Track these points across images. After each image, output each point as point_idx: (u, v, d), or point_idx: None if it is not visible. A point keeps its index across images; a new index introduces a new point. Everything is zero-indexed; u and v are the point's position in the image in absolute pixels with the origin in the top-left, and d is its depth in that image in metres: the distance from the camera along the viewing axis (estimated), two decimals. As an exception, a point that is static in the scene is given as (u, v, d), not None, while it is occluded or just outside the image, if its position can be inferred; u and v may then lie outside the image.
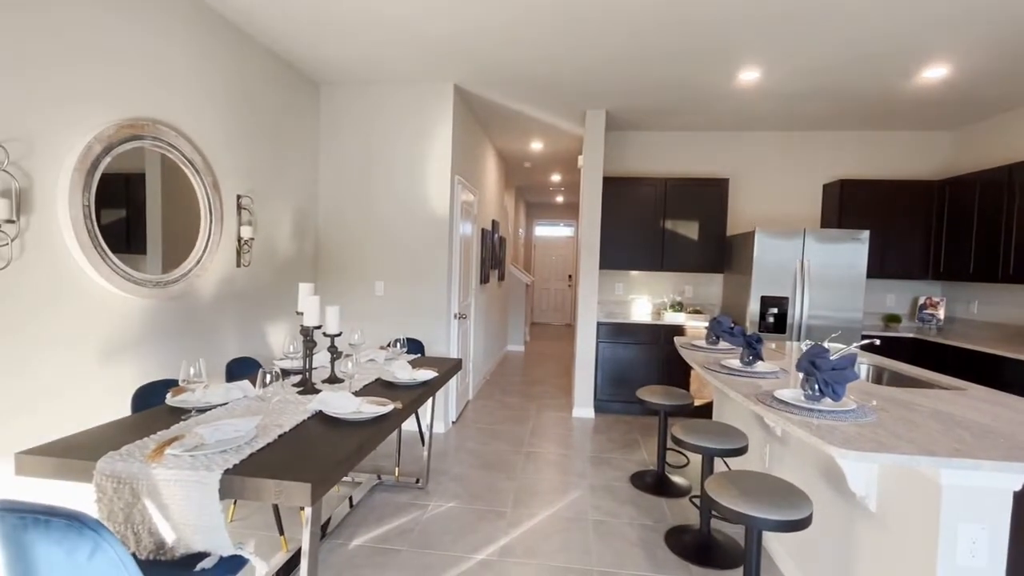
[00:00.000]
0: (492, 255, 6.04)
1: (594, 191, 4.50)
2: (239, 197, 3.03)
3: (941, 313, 4.51)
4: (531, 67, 3.53)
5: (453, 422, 4.25)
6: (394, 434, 3.44)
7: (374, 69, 3.66)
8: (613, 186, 4.77)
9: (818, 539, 2.01)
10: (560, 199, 9.85)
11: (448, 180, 3.92)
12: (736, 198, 4.94)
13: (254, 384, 2.05)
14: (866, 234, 4.03)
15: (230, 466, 1.40)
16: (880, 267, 4.48)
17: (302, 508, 1.56)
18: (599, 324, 4.58)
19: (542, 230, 11.37)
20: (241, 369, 2.59)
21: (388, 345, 3.07)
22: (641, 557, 2.37)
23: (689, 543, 2.45)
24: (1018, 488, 1.32)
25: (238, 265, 3.06)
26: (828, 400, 1.72)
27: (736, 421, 2.96)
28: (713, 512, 2.18)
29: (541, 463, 3.46)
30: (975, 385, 2.21)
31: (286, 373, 2.47)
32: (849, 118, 4.44)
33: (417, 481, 3.07)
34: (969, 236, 4.05)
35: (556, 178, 7.76)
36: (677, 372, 4.49)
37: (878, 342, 2.32)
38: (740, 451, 2.29)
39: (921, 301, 4.60)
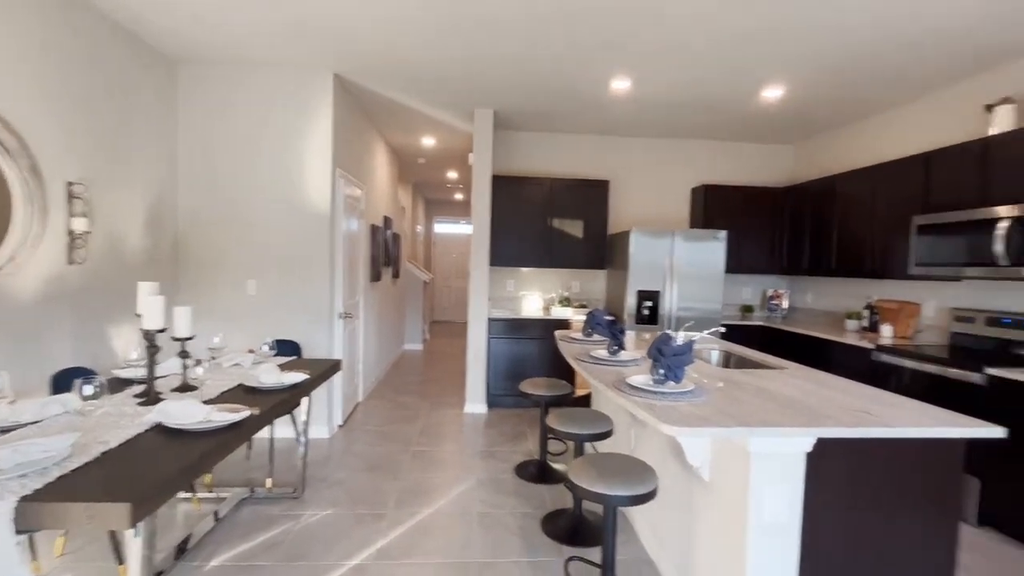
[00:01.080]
0: (385, 252, 5.88)
1: (483, 189, 4.56)
2: (70, 184, 2.64)
3: (785, 303, 5.17)
4: (417, 63, 3.48)
5: (340, 426, 4.08)
6: (267, 443, 3.22)
7: (242, 50, 3.38)
8: (503, 185, 4.86)
9: (667, 508, 2.22)
10: (459, 196, 9.84)
11: (329, 173, 3.74)
12: (616, 199, 5.27)
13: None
14: (724, 234, 4.50)
15: (29, 492, 1.22)
16: (737, 263, 5.03)
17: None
18: (490, 320, 4.64)
19: (442, 227, 11.28)
20: (71, 380, 2.26)
21: (258, 348, 2.87)
22: (518, 544, 2.45)
23: (563, 526, 2.58)
24: (810, 449, 1.55)
25: (70, 262, 2.67)
26: (672, 383, 1.90)
27: (608, 408, 3.16)
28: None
29: (429, 461, 3.44)
30: (795, 364, 2.56)
31: (127, 382, 2.21)
32: (712, 129, 4.93)
33: (294, 491, 2.90)
34: (805, 236, 4.69)
35: (453, 175, 7.74)
36: (566, 364, 4.70)
37: (723, 329, 2.58)
38: (606, 435, 2.45)
39: (769, 293, 5.24)
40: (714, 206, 5.02)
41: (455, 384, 5.61)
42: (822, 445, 1.56)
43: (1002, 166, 2.92)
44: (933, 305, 3.68)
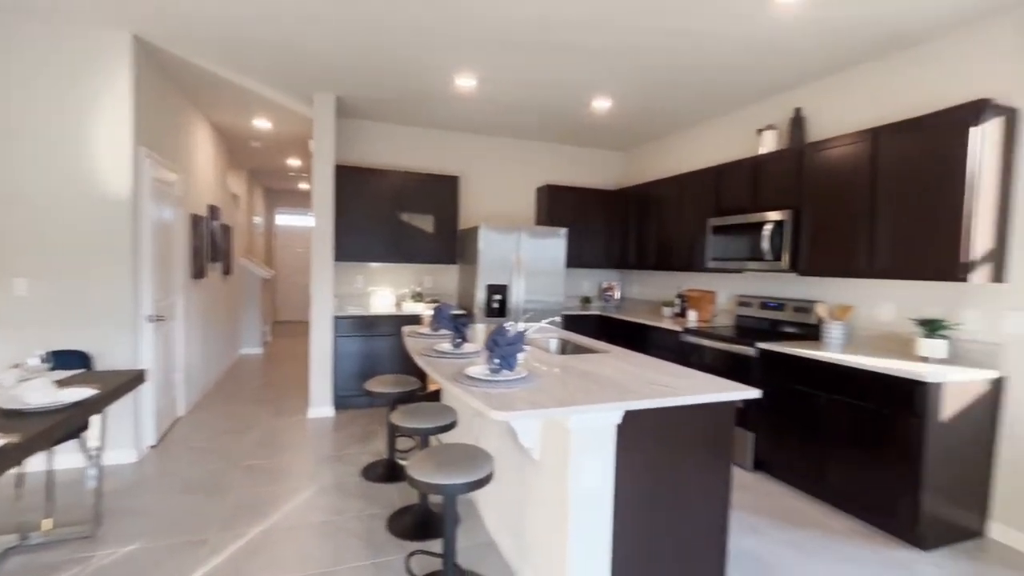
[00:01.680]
0: (211, 245, 5.20)
1: (326, 179, 4.29)
2: None
3: (617, 294, 5.78)
4: (250, 38, 3.13)
5: (152, 446, 3.52)
6: (41, 477, 2.65)
7: (-5, -10, 2.70)
8: (350, 175, 4.63)
9: (505, 490, 2.34)
10: (303, 186, 9.13)
11: (129, 153, 3.18)
12: (467, 195, 5.37)
13: None
14: (564, 231, 4.86)
15: None
16: (577, 258, 5.47)
17: None
18: (337, 318, 4.40)
19: (285, 219, 10.37)
20: None
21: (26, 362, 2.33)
22: (361, 548, 2.37)
23: (409, 522, 2.56)
24: (619, 421, 1.76)
25: None
26: (506, 372, 1.99)
27: (456, 401, 3.22)
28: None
29: (264, 474, 3.14)
30: (619, 348, 2.88)
31: None
32: (555, 133, 5.28)
33: (84, 529, 2.43)
34: (631, 234, 5.28)
35: (295, 163, 7.15)
36: (417, 360, 4.65)
37: (559, 319, 2.78)
38: (450, 427, 2.49)
39: (604, 285, 5.81)
40: (556, 205, 5.38)
41: (299, 388, 5.21)
42: (629, 416, 1.78)
43: (767, 179, 3.62)
44: (726, 293, 4.43)
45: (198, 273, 4.62)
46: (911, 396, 2.45)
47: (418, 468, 1.88)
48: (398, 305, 5.00)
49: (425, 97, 4.24)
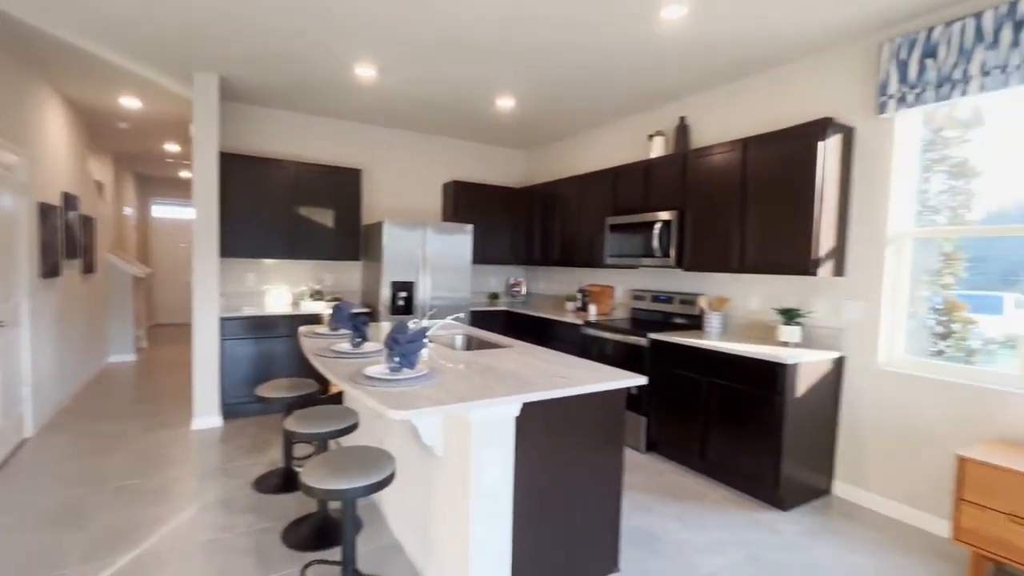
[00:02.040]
0: (67, 239, 4.54)
1: (209, 167, 3.92)
2: None
3: (524, 290, 5.92)
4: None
5: (-12, 475, 3.01)
6: None
7: None
8: (239, 165, 4.27)
9: (410, 489, 2.31)
10: (185, 174, 8.26)
11: (-50, 127, 2.67)
12: (370, 189, 5.19)
13: None
14: (470, 228, 4.87)
15: None
16: (484, 255, 5.52)
17: None
18: (224, 319, 4.05)
19: (164, 211, 9.32)
20: None
21: None
22: (252, 565, 2.21)
23: (306, 532, 2.44)
24: (518, 413, 1.81)
25: None
26: (407, 370, 1.96)
27: (358, 402, 3.11)
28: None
29: (136, 496, 2.82)
30: (522, 343, 2.95)
31: None
32: (462, 129, 5.26)
33: None
34: (536, 231, 5.42)
35: (174, 148, 6.44)
36: (317, 362, 4.42)
37: (464, 315, 2.78)
38: (350, 430, 2.40)
39: (511, 281, 5.92)
40: (463, 202, 5.38)
41: (181, 397, 4.73)
42: (528, 408, 1.83)
43: (656, 182, 3.90)
44: (623, 288, 4.71)
45: (50, 271, 4.01)
46: (773, 377, 2.78)
47: (313, 474, 1.80)
48: (296, 304, 4.72)
49: (324, 85, 4.02)
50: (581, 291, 4.98)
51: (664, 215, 3.73)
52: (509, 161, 6.09)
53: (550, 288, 5.76)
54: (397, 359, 1.94)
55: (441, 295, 4.73)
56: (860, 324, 2.94)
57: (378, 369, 1.99)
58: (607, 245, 4.27)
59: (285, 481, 2.99)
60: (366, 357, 2.37)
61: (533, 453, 1.89)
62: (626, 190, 4.20)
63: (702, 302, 3.71)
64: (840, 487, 3.03)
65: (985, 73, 2.37)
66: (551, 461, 1.95)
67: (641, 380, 2.10)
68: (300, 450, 3.45)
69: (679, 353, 3.34)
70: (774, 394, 2.78)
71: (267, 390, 2.90)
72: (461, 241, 4.82)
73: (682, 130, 3.92)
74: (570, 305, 5.04)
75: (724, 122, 3.73)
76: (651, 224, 3.82)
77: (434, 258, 4.67)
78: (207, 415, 3.97)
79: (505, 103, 4.32)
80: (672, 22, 2.82)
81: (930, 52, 2.56)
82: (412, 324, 2.28)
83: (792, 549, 2.44)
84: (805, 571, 2.27)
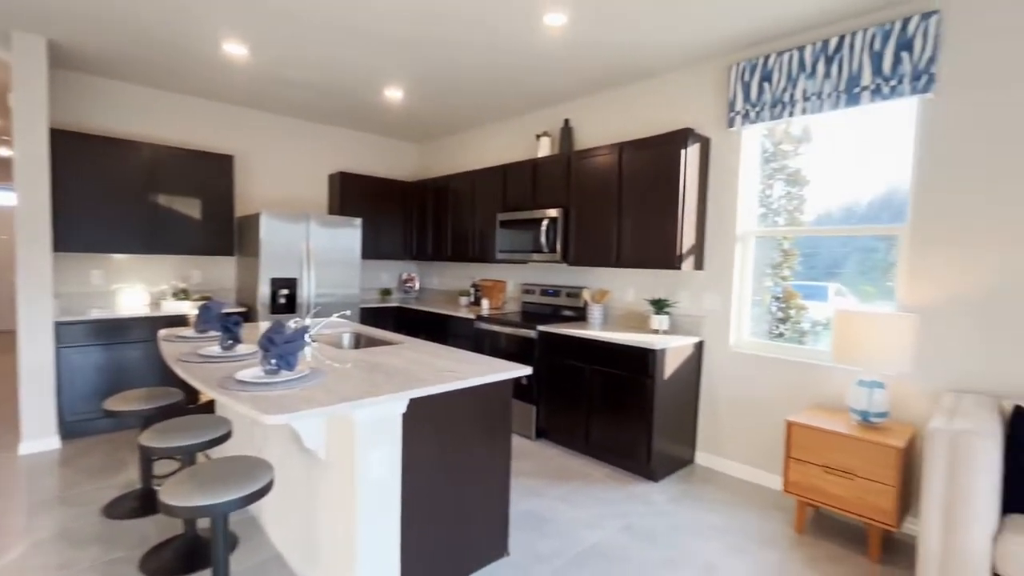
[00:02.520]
0: None
1: (34, 144, 3.33)
2: None
3: (417, 285, 5.84)
4: None
5: None
6: None
7: None
8: (80, 144, 3.68)
9: (292, 498, 2.19)
10: (5, 152, 6.92)
11: None
12: (245, 177, 4.77)
13: None
14: (359, 221, 4.69)
15: None
16: (375, 250, 5.35)
17: None
18: (60, 324, 3.48)
19: (-25, 195, 7.71)
20: None
21: None
22: (101, 601, 1.95)
23: (169, 557, 2.20)
24: (404, 410, 1.80)
25: None
26: (286, 372, 1.86)
27: (232, 410, 2.87)
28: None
29: (-61, 540, 2.33)
30: (412, 339, 2.92)
31: None
32: (350, 119, 5.03)
33: None
34: (428, 226, 5.37)
35: (-13, 120, 5.36)
36: (183, 368, 3.98)
37: (350, 312, 2.68)
38: (220, 440, 2.21)
39: (403, 276, 5.81)
40: (351, 194, 5.16)
41: (6, 418, 3.98)
42: (415, 404, 1.83)
43: (544, 180, 4.07)
44: (514, 282, 4.85)
45: None
46: (645, 362, 3.06)
47: (174, 491, 1.63)
48: (155, 305, 4.20)
49: (187, 59, 3.61)
50: (474, 286, 5.04)
51: (551, 212, 3.90)
52: (401, 154, 5.95)
53: (443, 283, 5.75)
54: (274, 361, 1.82)
55: (328, 292, 4.50)
56: (716, 312, 3.34)
57: (252, 372, 1.86)
58: (498, 240, 4.37)
59: (144, 503, 2.67)
60: (239, 360, 2.20)
61: (422, 448, 1.90)
62: (516, 187, 4.33)
63: (586, 295, 3.95)
64: (701, 456, 3.43)
65: (806, 98, 2.82)
66: (440, 454, 1.97)
67: (526, 371, 2.19)
68: (164, 467, 3.10)
69: (565, 343, 3.53)
70: (646, 378, 3.06)
71: (118, 403, 2.56)
72: (349, 235, 4.62)
73: (567, 132, 4.12)
74: (463, 300, 5.08)
75: (604, 126, 4.00)
76: (539, 221, 3.98)
77: (320, 253, 4.43)
78: (40, 437, 3.39)
79: (393, 94, 4.22)
80: (555, 29, 2.95)
81: (767, 76, 2.97)
82: (293, 323, 2.16)
83: (661, 515, 2.72)
84: (671, 532, 2.54)
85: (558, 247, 3.86)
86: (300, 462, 2.12)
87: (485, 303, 4.75)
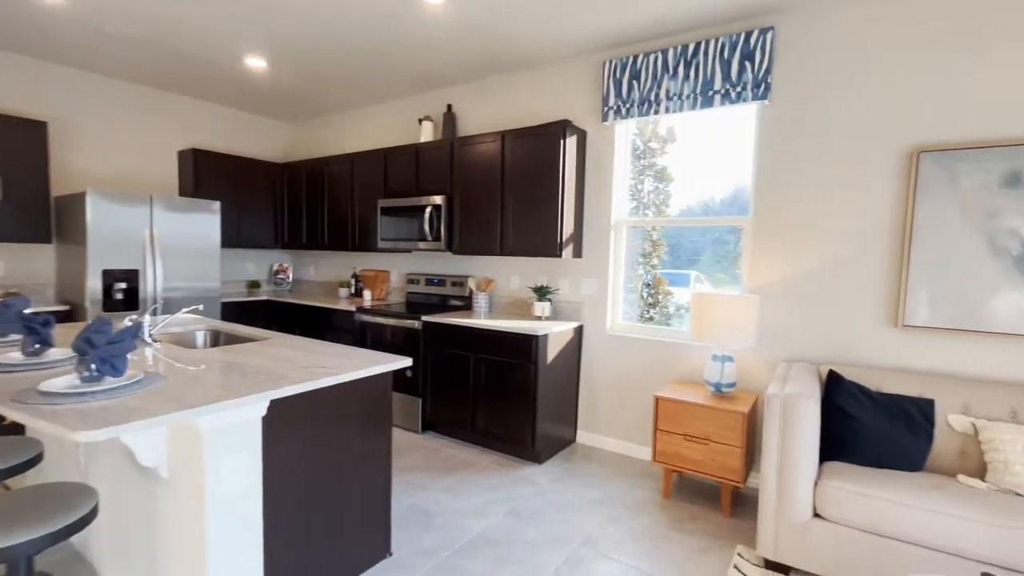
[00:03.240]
0: None
1: None
2: None
3: (291, 276, 5.38)
4: None
5: None
6: None
7: None
8: None
9: (130, 524, 1.88)
10: None
11: None
12: (64, 149, 3.99)
13: None
14: (218, 205, 4.18)
15: None
16: (239, 237, 4.81)
17: None
18: None
19: None
20: None
21: None
22: None
23: (-45, 616, 1.77)
24: (264, 413, 1.62)
25: None
26: (111, 379, 1.56)
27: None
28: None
29: None
30: (279, 334, 2.66)
31: None
32: (209, 89, 4.42)
33: None
34: (302, 212, 4.96)
35: None
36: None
37: (201, 307, 2.36)
38: (26, 465, 1.81)
39: (275, 267, 5.32)
40: (207, 174, 4.57)
41: None
42: (277, 405, 1.65)
43: (427, 166, 3.95)
44: (398, 272, 4.67)
45: None
46: (528, 348, 3.12)
47: (-50, 537, 1.29)
48: (-64, 304, 3.34)
49: (-34, -4, 2.88)
50: (355, 276, 4.77)
51: (435, 199, 3.80)
52: (272, 133, 5.40)
53: (321, 274, 5.36)
54: (95, 366, 1.53)
55: (180, 285, 3.95)
56: (594, 298, 3.51)
57: (65, 381, 1.54)
58: (380, 228, 4.16)
59: (-83, 554, 2.11)
60: (48, 368, 1.82)
61: (289, 453, 1.73)
62: (398, 173, 4.15)
63: (471, 284, 3.93)
64: (582, 435, 3.61)
65: (669, 98, 3.04)
66: (311, 458, 1.81)
67: (404, 362, 2.10)
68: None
69: (449, 333, 3.48)
70: (529, 363, 3.12)
71: None
72: (206, 221, 4.10)
73: (449, 118, 4.04)
74: (343, 292, 4.78)
75: (487, 113, 3.98)
76: (423, 208, 3.86)
77: (168, 240, 3.87)
78: None
79: (256, 64, 3.79)
80: (435, 7, 2.84)
81: (635, 75, 3.16)
82: (128, 321, 1.84)
83: (544, 495, 2.80)
84: (554, 511, 2.63)
85: (443, 235, 3.78)
86: (138, 483, 1.81)
87: (367, 294, 4.52)
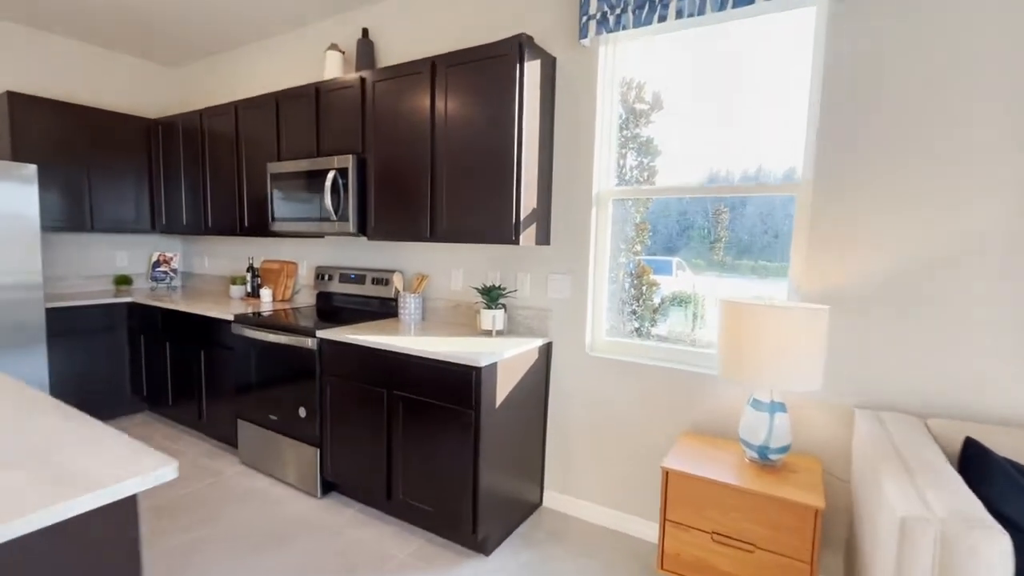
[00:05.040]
0: None
1: None
2: None
3: (177, 268, 4.15)
4: None
5: None
6: None
7: None
8: None
9: None
10: None
11: None
12: None
13: None
14: (33, 170, 2.92)
15: None
16: (94, 218, 3.56)
17: None
18: None
19: None
20: None
21: None
22: None
23: None
24: None
25: None
26: None
27: None
28: None
29: None
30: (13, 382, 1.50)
31: None
32: (39, 12, 3.12)
33: None
34: (181, 183, 3.70)
35: None
36: None
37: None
38: None
39: (156, 257, 4.07)
40: (31, 129, 3.28)
41: None
42: None
43: (330, 115, 2.77)
44: (308, 264, 3.50)
45: None
46: (466, 384, 2.03)
47: None
48: None
49: None
50: (252, 270, 3.57)
51: (340, 161, 2.64)
52: (146, 80, 4.11)
53: (216, 266, 4.14)
54: None
55: (-31, 285, 2.72)
56: (567, 301, 2.43)
57: None
58: (273, 204, 2.99)
59: None
60: None
61: None
62: (294, 126, 2.96)
63: (397, 281, 2.81)
64: (550, 497, 2.55)
65: (683, -6, 1.94)
66: None
67: (157, 478, 0.98)
68: None
69: (355, 357, 2.36)
70: (467, 408, 2.03)
71: None
72: (11, 193, 2.84)
73: (365, 47, 2.86)
74: (236, 290, 3.59)
75: (418, 39, 2.81)
76: (323, 174, 2.70)
77: (-59, 220, 2.62)
78: None
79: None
80: None
81: (631, -39, 2.04)
82: None
83: (488, 630, 1.74)
84: (500, 672, 1.57)
85: (351, 213, 2.63)
86: None
87: (266, 294, 3.36)
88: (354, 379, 2.37)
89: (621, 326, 2.46)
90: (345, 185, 2.63)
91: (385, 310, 2.96)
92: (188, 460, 2.97)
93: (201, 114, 3.47)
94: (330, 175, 2.64)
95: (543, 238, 2.40)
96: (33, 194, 2.92)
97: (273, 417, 2.71)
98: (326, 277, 3.22)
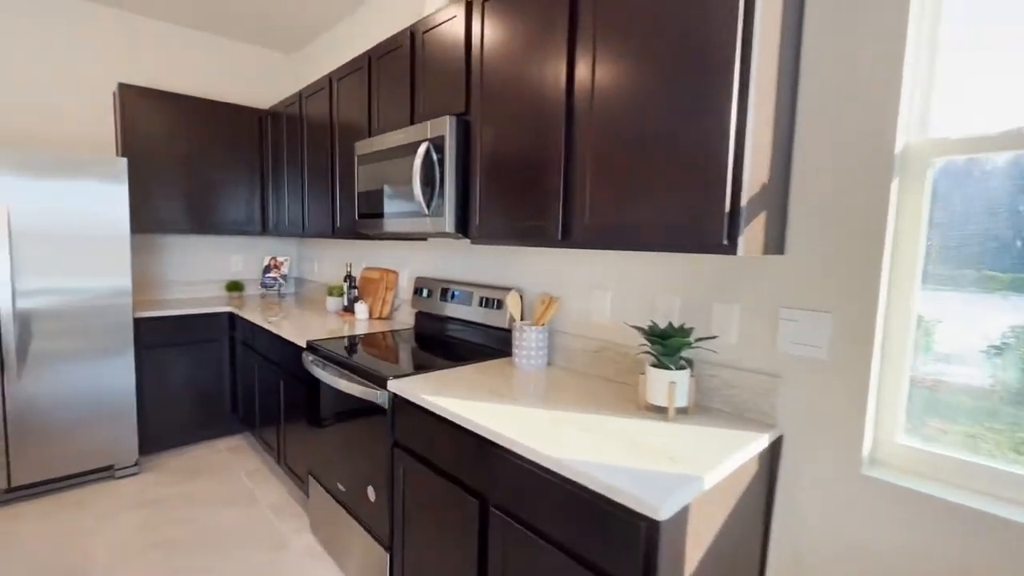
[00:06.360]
0: None
1: None
2: None
3: (287, 274, 3.76)
4: None
5: None
6: None
7: None
8: None
9: None
10: None
11: None
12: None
13: None
14: (123, 164, 2.59)
15: None
16: (214, 219, 3.29)
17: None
18: None
19: None
20: None
21: None
22: None
23: None
24: None
25: None
26: None
27: None
28: None
29: None
30: None
31: None
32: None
33: None
34: (284, 180, 3.25)
35: None
36: None
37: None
38: None
39: (267, 262, 3.72)
40: (145, 124, 3.04)
41: None
42: None
43: (426, 68, 1.95)
44: (408, 271, 2.77)
45: None
46: (633, 543, 1.00)
47: None
48: None
49: None
50: (349, 279, 2.95)
51: (433, 127, 1.80)
52: (261, 68, 3.82)
53: (325, 272, 3.66)
54: None
55: (50, 287, 2.44)
56: (822, 364, 1.27)
57: None
58: (358, 196, 2.28)
59: None
60: None
61: None
62: (387, 90, 2.21)
63: (511, 304, 1.88)
64: None
65: None
66: None
67: None
68: None
69: (435, 429, 1.47)
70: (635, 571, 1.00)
71: None
72: (99, 191, 2.53)
73: (479, -33, 1.98)
74: (332, 303, 3.01)
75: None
76: (414, 148, 1.88)
77: (30, 221, 2.35)
78: None
79: None
80: None
81: None
82: None
83: None
84: None
85: (447, 205, 1.77)
86: None
87: (362, 310, 2.72)
88: (434, 464, 1.49)
89: (942, 421, 1.21)
90: (441, 161, 1.78)
91: (495, 345, 2.06)
92: (256, 512, 2.41)
93: (300, 95, 2.95)
94: (421, 148, 1.81)
95: (775, 242, 1.27)
96: (121, 193, 2.59)
97: (342, 488, 1.97)
98: (425, 292, 2.43)
